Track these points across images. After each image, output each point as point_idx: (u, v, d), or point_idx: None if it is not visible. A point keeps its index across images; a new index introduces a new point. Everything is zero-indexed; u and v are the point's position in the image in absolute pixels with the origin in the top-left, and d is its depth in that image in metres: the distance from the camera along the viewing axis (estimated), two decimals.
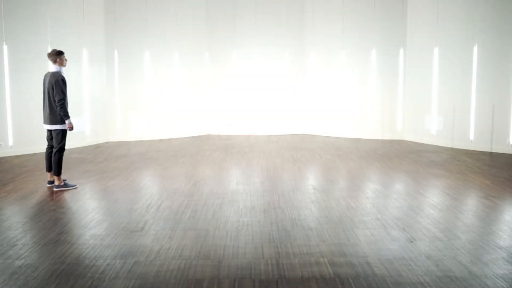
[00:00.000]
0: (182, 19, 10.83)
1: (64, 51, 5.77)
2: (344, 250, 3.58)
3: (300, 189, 5.69)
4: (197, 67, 11.31)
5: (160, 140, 10.42)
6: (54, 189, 5.66)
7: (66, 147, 5.97)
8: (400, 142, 9.88)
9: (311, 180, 6.34)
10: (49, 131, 5.73)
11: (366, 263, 3.33)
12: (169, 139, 10.59)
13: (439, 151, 8.54)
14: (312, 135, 11.24)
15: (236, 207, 4.84)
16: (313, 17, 11.20)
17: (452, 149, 8.72)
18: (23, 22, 8.27)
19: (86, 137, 9.63)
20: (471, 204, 4.93)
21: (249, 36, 11.35)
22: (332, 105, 11.00)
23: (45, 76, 5.71)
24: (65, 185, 5.74)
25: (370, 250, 3.59)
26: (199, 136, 11.14)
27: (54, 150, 5.66)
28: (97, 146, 9.47)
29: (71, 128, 5.66)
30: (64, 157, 5.79)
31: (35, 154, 8.24)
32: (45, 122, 5.69)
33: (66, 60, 5.73)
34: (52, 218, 4.51)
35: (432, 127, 9.48)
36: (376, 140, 10.19)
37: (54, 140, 5.68)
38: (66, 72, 6.33)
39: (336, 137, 10.73)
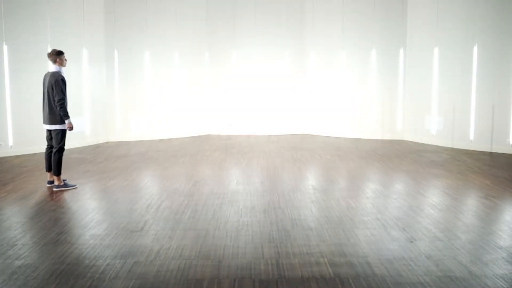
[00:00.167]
0: (182, 19, 10.83)
1: (64, 51, 5.77)
2: (344, 250, 3.58)
3: (300, 189, 5.69)
4: (197, 67, 11.31)
5: (160, 140, 10.42)
6: (54, 189, 5.66)
7: (66, 147, 5.97)
8: (400, 142, 9.88)
9: (311, 180, 6.34)
10: (49, 131, 5.73)
11: (366, 263, 3.33)
12: (169, 139, 10.59)
13: (439, 151, 8.53)
14: (312, 135, 11.23)
15: (236, 207, 4.84)
16: (313, 17, 11.20)
17: (452, 149, 8.72)
18: (23, 22, 8.27)
19: (86, 137, 9.63)
20: (471, 204, 4.92)
21: (249, 36, 11.35)
22: (332, 105, 11.00)
23: (45, 76, 5.71)
24: (65, 185, 5.74)
25: (370, 250, 3.59)
26: (199, 136, 11.14)
27: (54, 150, 5.66)
28: (97, 146, 9.47)
29: (71, 128, 5.66)
30: (64, 157, 5.79)
31: (35, 154, 8.24)
32: (44, 122, 5.69)
33: (66, 60, 5.73)
34: (52, 218, 4.51)
35: (432, 127, 9.48)
36: (376, 140, 10.19)
37: (53, 140, 5.68)
38: (66, 72, 6.33)
39: (336, 137, 10.73)
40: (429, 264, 3.31)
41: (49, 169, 5.78)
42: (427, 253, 3.52)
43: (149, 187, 5.91)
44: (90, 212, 4.74)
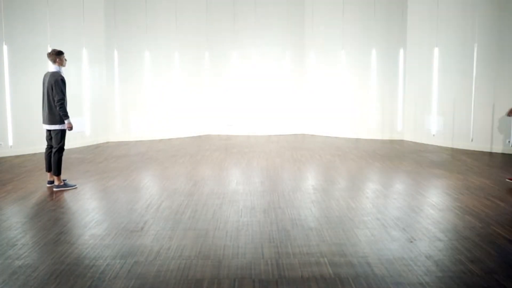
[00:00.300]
0: (182, 19, 10.83)
1: (64, 51, 5.77)
2: (344, 250, 3.58)
3: (300, 189, 5.69)
4: (197, 67, 11.32)
5: (160, 140, 10.42)
6: (54, 189, 5.66)
7: (66, 147, 5.97)
8: (400, 142, 9.87)
9: (311, 180, 6.34)
10: (48, 131, 5.73)
11: (366, 263, 3.33)
12: (169, 139, 10.59)
13: (439, 151, 8.53)
14: (312, 135, 11.23)
15: (236, 207, 4.84)
16: (313, 17, 11.20)
17: (452, 149, 8.72)
18: (23, 22, 8.27)
19: (86, 137, 9.63)
20: (471, 204, 4.92)
21: (249, 36, 11.35)
22: (332, 105, 11.01)
23: (45, 76, 5.71)
24: (65, 185, 5.74)
25: (370, 250, 3.59)
26: (199, 136, 11.14)
27: (54, 150, 5.66)
28: (97, 146, 9.47)
29: (71, 128, 5.66)
30: (64, 157, 5.79)
31: (35, 154, 8.24)
32: (44, 122, 5.69)
33: (65, 60, 5.73)
34: (52, 218, 4.51)
35: (432, 127, 9.47)
36: (376, 140, 10.19)
37: (53, 140, 5.67)
38: (66, 72, 6.33)
39: (336, 137, 10.73)
40: (429, 264, 3.31)
41: (49, 169, 5.78)
42: (427, 253, 3.52)
43: (149, 187, 5.91)
44: (90, 212, 4.74)
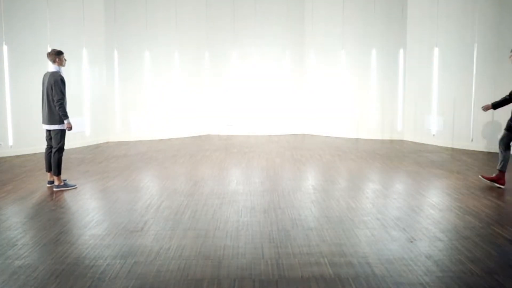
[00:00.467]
0: (182, 19, 10.83)
1: (64, 51, 5.77)
2: (344, 250, 3.58)
3: (300, 189, 5.69)
4: (197, 67, 11.32)
5: (160, 140, 10.42)
6: (54, 189, 5.66)
7: (66, 147, 5.97)
8: (400, 142, 9.88)
9: (311, 180, 6.34)
10: (48, 131, 5.73)
11: (366, 263, 3.33)
12: (169, 139, 10.59)
13: (439, 151, 8.53)
14: (312, 135, 11.23)
15: (236, 207, 4.84)
16: (313, 17, 11.20)
17: (452, 149, 8.72)
18: (23, 22, 8.27)
19: (86, 137, 9.63)
20: (471, 204, 4.92)
21: (249, 36, 11.35)
22: (332, 105, 11.00)
23: (44, 76, 5.71)
24: (65, 185, 5.74)
25: (370, 250, 3.59)
26: (199, 136, 11.14)
27: (53, 150, 5.66)
28: (97, 146, 9.47)
29: (70, 128, 5.66)
30: (63, 157, 5.79)
31: (35, 154, 8.24)
32: (44, 122, 5.69)
33: (65, 60, 5.73)
34: (52, 218, 4.51)
35: (432, 127, 9.48)
36: (376, 140, 10.19)
37: (53, 140, 5.67)
38: (66, 72, 6.33)
39: (336, 137, 10.73)
40: (429, 264, 3.31)
41: (49, 169, 5.78)
42: (427, 253, 3.52)
43: (149, 187, 5.91)
44: (90, 212, 4.74)
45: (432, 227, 4.13)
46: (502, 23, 8.15)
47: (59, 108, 5.50)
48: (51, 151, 5.74)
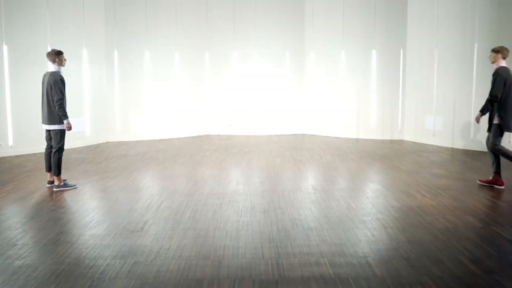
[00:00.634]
0: (182, 19, 10.83)
1: (64, 51, 5.77)
2: (344, 250, 3.58)
3: (300, 189, 5.69)
4: (197, 67, 11.32)
5: (160, 140, 10.42)
6: (54, 189, 5.66)
7: (66, 147, 5.97)
8: (400, 142, 9.88)
9: (311, 180, 6.34)
10: (48, 131, 5.73)
11: (366, 263, 3.33)
12: (169, 139, 10.59)
13: (439, 151, 8.53)
14: (312, 135, 11.23)
15: (236, 207, 4.84)
16: (313, 17, 11.20)
17: (452, 149, 8.72)
18: (23, 22, 8.27)
19: (86, 137, 9.63)
20: (471, 204, 4.92)
21: (249, 36, 11.35)
22: (332, 105, 11.00)
23: (44, 76, 5.71)
24: (65, 185, 5.74)
25: (370, 250, 3.59)
26: (199, 136, 11.14)
27: (53, 150, 5.66)
28: (97, 146, 9.47)
29: (70, 128, 5.65)
30: (63, 157, 5.79)
31: (35, 154, 8.24)
32: (43, 122, 5.69)
33: (65, 60, 5.73)
34: (52, 218, 4.51)
35: (432, 127, 9.48)
36: (376, 140, 10.19)
37: (53, 140, 5.67)
38: (66, 72, 6.33)
39: (336, 137, 10.73)
40: (429, 264, 3.31)
41: (49, 169, 5.78)
42: (427, 253, 3.52)
43: (149, 187, 5.90)
44: (90, 212, 4.74)
45: (432, 227, 4.13)
46: (502, 23, 8.15)
47: (59, 108, 5.50)
48: (51, 151, 5.74)
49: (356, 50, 10.55)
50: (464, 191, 5.50)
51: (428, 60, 9.49)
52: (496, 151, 5.60)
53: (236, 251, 3.60)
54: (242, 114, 11.47)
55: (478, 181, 5.87)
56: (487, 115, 5.69)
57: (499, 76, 5.42)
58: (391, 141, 10.05)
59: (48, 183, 5.84)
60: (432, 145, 9.29)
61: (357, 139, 10.44)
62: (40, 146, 7.56)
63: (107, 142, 10.05)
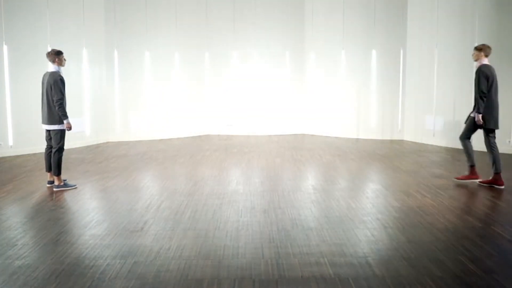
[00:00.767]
0: (182, 19, 10.83)
1: (64, 51, 5.77)
2: (344, 250, 3.58)
3: (300, 189, 5.69)
4: (197, 67, 11.32)
5: (160, 140, 10.42)
6: (54, 189, 5.66)
7: (66, 147, 5.97)
8: (400, 142, 9.88)
9: (311, 180, 6.34)
10: (48, 131, 5.73)
11: (366, 263, 3.33)
12: (169, 139, 10.59)
13: (439, 151, 8.53)
14: (312, 135, 11.24)
15: (236, 207, 4.84)
16: (313, 17, 11.20)
17: (452, 149, 8.71)
18: (23, 22, 8.27)
19: (86, 137, 9.63)
20: (472, 204, 4.92)
21: (249, 36, 11.35)
22: (332, 105, 11.01)
23: (44, 76, 5.71)
24: (65, 185, 5.74)
25: (370, 250, 3.59)
26: (199, 136, 11.14)
27: (53, 150, 5.66)
28: (97, 146, 9.47)
29: (70, 128, 5.65)
30: (63, 157, 5.79)
31: (35, 154, 8.24)
32: (43, 122, 5.69)
33: (65, 60, 5.73)
34: (52, 218, 4.51)
35: (432, 127, 9.48)
36: (376, 140, 10.19)
37: (52, 140, 5.67)
38: (66, 72, 6.33)
39: (336, 137, 10.73)
40: (429, 264, 3.31)
41: (49, 169, 5.78)
42: (427, 253, 3.52)
43: (149, 187, 5.90)
44: (90, 212, 4.74)
45: (432, 227, 4.13)
46: (502, 23, 8.15)
47: (59, 108, 5.50)
48: (51, 151, 5.74)
49: (356, 50, 10.55)
50: (464, 191, 5.50)
51: (428, 60, 9.49)
52: (462, 143, 5.83)
53: (236, 251, 3.60)
54: (242, 114, 11.47)
55: (478, 182, 5.85)
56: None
57: (482, 73, 5.62)
58: (391, 141, 10.05)
59: (48, 183, 5.84)
60: (432, 145, 9.28)
61: (357, 139, 10.44)
62: (40, 146, 7.56)
63: (107, 142, 10.05)
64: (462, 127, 8.81)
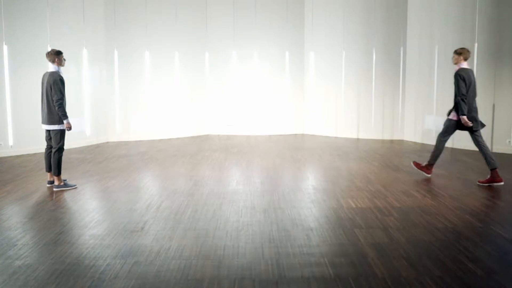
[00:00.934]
0: (182, 19, 10.83)
1: (64, 51, 5.77)
2: (344, 250, 3.58)
3: (300, 189, 5.69)
4: (197, 67, 11.32)
5: (160, 140, 10.42)
6: (54, 189, 5.66)
7: (66, 147, 5.97)
8: (400, 142, 9.87)
9: (311, 180, 6.34)
10: (48, 131, 5.73)
11: (366, 263, 3.33)
12: (169, 139, 10.59)
13: None
14: (312, 135, 11.24)
15: (236, 207, 4.84)
16: (313, 17, 11.20)
17: (452, 149, 8.71)
18: (23, 22, 8.27)
19: (86, 137, 9.63)
20: (471, 204, 4.92)
21: (249, 36, 11.35)
22: (332, 105, 11.00)
23: (44, 76, 5.70)
24: (65, 185, 5.74)
25: (370, 250, 3.59)
26: (199, 136, 11.14)
27: (53, 150, 5.66)
28: (97, 146, 9.47)
29: (69, 128, 5.65)
30: (63, 157, 5.79)
31: (35, 154, 8.24)
32: (43, 122, 5.69)
33: (64, 60, 5.72)
34: (52, 218, 4.51)
35: (432, 127, 9.47)
36: (376, 140, 10.19)
37: (52, 140, 5.67)
38: (66, 72, 6.33)
39: (336, 137, 10.73)
40: (429, 264, 3.31)
41: (49, 169, 5.78)
42: (427, 253, 3.52)
43: (149, 187, 5.90)
44: (90, 212, 4.74)
45: (432, 227, 4.13)
46: (502, 23, 8.15)
47: (58, 108, 5.49)
48: (50, 151, 5.74)
49: (356, 50, 10.55)
50: (464, 191, 5.50)
51: (428, 60, 9.49)
52: (437, 142, 6.00)
53: (236, 251, 3.60)
54: (242, 114, 11.48)
55: (478, 183, 5.86)
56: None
57: (460, 77, 5.84)
58: (391, 141, 10.05)
59: (48, 183, 5.84)
60: (432, 145, 9.24)
61: (357, 139, 10.44)
62: (40, 146, 7.56)
63: (107, 142, 10.05)
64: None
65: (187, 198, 5.20)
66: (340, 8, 10.60)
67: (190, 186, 5.81)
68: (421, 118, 9.77)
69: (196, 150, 8.86)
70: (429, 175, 6.22)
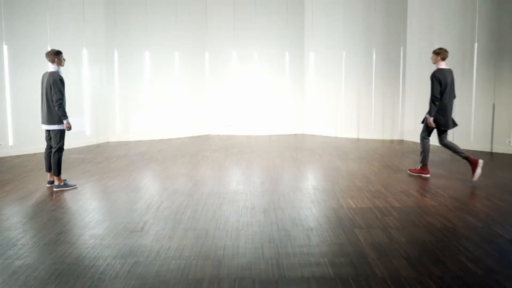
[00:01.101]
0: (182, 19, 10.84)
1: (64, 51, 5.77)
2: (344, 250, 3.58)
3: (300, 189, 5.69)
4: (197, 67, 11.32)
5: (160, 140, 10.42)
6: (54, 189, 5.66)
7: (66, 147, 5.97)
8: (400, 142, 9.87)
9: (311, 180, 6.34)
10: (48, 131, 5.73)
11: (366, 263, 3.33)
12: (169, 139, 10.59)
13: (439, 151, 8.53)
14: (312, 135, 11.24)
15: (236, 207, 4.84)
16: (313, 17, 11.20)
17: None
18: (23, 22, 8.27)
19: (86, 137, 9.63)
20: (472, 204, 4.92)
21: (249, 36, 11.35)
22: (332, 105, 11.01)
23: (43, 76, 5.71)
24: (65, 185, 5.74)
25: (370, 250, 3.59)
26: (199, 136, 11.14)
27: (53, 150, 5.66)
28: (97, 146, 9.47)
29: (69, 128, 5.65)
30: (63, 157, 5.80)
31: (35, 154, 8.24)
32: (43, 122, 5.69)
33: (64, 60, 5.72)
34: (52, 218, 4.51)
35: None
36: (376, 140, 10.19)
37: (52, 140, 5.67)
38: (66, 72, 6.33)
39: (336, 137, 10.73)
40: (429, 264, 3.31)
41: (49, 169, 5.78)
42: (427, 253, 3.52)
43: (149, 187, 5.90)
44: (90, 212, 4.74)
45: (432, 227, 4.13)
46: (502, 23, 8.15)
47: (58, 108, 5.49)
48: (50, 151, 5.74)
49: (356, 50, 10.55)
50: (464, 191, 5.50)
51: (428, 60, 9.46)
52: (422, 142, 6.32)
53: (236, 251, 3.60)
54: (242, 114, 11.48)
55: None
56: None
57: (435, 78, 6.07)
58: (391, 141, 10.05)
59: (48, 183, 5.84)
60: (432, 145, 9.25)
61: (357, 139, 10.44)
62: (40, 146, 7.56)
63: (107, 142, 10.05)
64: (462, 127, 8.85)
65: (187, 198, 5.20)
66: (340, 8, 10.60)
67: (190, 186, 5.81)
68: (421, 118, 9.75)
69: (196, 150, 8.86)
70: (428, 175, 6.26)
